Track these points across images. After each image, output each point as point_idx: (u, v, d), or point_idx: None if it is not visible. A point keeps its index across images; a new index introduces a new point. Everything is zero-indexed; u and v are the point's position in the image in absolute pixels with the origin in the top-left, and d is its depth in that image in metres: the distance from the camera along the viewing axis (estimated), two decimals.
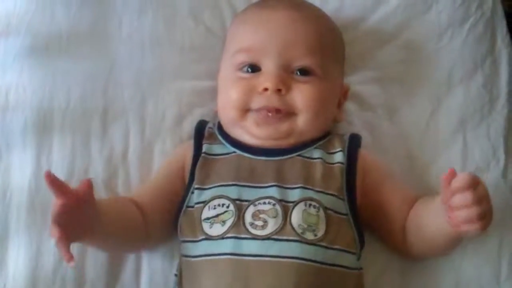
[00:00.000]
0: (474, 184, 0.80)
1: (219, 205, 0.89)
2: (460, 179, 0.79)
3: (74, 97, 1.04)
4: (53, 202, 0.76)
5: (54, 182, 0.76)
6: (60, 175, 0.96)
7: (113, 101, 1.05)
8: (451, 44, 1.10)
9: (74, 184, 0.96)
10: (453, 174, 0.80)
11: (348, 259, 0.89)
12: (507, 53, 1.11)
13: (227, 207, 0.88)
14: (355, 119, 1.06)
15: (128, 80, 1.06)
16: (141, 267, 0.98)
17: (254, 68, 0.96)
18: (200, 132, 1.00)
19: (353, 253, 0.90)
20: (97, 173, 1.01)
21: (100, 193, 0.99)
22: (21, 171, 1.00)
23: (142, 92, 1.06)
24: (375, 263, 0.97)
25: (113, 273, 0.97)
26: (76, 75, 1.05)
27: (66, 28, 1.07)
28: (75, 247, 0.92)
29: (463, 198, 0.80)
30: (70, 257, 0.75)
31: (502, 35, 1.12)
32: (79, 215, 0.78)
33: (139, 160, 1.03)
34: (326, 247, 0.86)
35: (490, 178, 1.02)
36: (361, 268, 0.93)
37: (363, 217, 0.93)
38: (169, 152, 1.03)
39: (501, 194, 1.01)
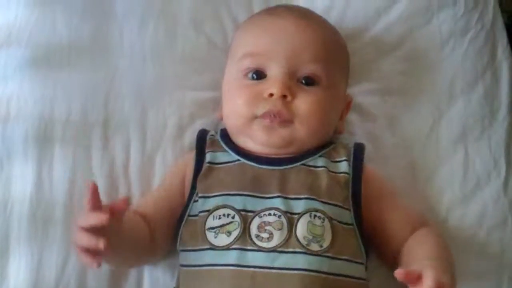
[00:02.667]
0: None
1: (224, 215, 0.92)
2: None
3: (75, 108, 1.06)
4: (89, 215, 0.80)
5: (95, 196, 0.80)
6: (62, 186, 1.01)
7: (114, 112, 1.07)
8: (452, 56, 1.14)
9: (76, 198, 1.01)
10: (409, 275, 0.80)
11: (355, 269, 0.92)
12: (508, 64, 1.15)
13: (232, 217, 0.91)
14: (356, 130, 1.10)
15: (129, 91, 1.09)
16: (143, 279, 1.00)
17: (260, 75, 0.99)
18: (202, 141, 1.03)
19: (360, 263, 0.93)
20: (98, 185, 0.98)
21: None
22: (22, 182, 1.01)
23: (143, 103, 1.08)
24: (378, 275, 0.99)
25: (115, 284, 0.99)
26: (77, 86, 1.07)
27: (67, 39, 1.09)
28: (74, 259, 0.96)
29: None
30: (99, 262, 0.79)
31: (503, 47, 1.16)
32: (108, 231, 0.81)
33: (140, 171, 1.05)
34: (332, 258, 0.89)
35: (491, 190, 1.06)
36: (367, 279, 0.95)
37: (367, 227, 0.95)
38: (170, 163, 1.06)
39: (501, 207, 1.05)
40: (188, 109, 1.09)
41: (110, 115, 1.07)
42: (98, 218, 0.78)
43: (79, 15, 1.11)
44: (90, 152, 1.05)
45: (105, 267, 0.98)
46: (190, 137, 1.07)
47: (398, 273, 0.79)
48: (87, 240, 0.79)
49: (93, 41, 1.10)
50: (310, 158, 0.98)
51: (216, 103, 1.07)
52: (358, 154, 1.00)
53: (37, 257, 0.98)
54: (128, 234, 0.88)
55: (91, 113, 1.06)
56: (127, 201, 0.85)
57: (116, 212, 0.81)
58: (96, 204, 0.81)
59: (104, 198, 0.98)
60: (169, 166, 1.05)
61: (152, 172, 1.05)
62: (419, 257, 0.89)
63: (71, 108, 1.06)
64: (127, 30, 1.12)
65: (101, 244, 0.78)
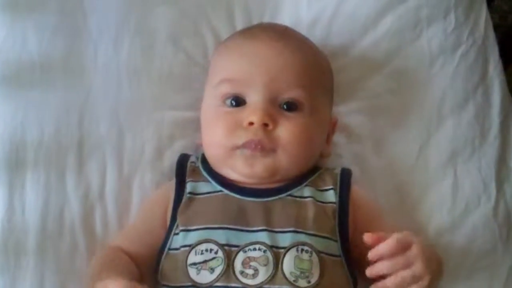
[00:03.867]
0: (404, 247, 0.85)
1: (206, 250, 0.90)
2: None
3: (47, 130, 1.03)
4: None
5: None
6: (34, 213, 0.98)
7: (89, 134, 1.04)
8: (442, 73, 1.12)
9: (50, 225, 0.98)
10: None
11: None
12: (499, 81, 1.14)
13: (216, 253, 0.89)
14: (343, 152, 1.08)
15: (105, 112, 1.06)
16: None
17: (239, 101, 0.96)
18: (182, 169, 1.01)
19: None
20: (73, 211, 1.01)
21: (77, 232, 0.99)
22: None
23: (119, 124, 1.06)
24: None
25: None
26: (50, 107, 1.04)
27: (38, 57, 1.05)
28: None
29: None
30: None
31: (494, 63, 1.14)
32: None
33: (117, 196, 1.03)
34: None
35: (481, 214, 1.05)
36: None
37: (354, 257, 0.94)
38: (149, 187, 1.04)
39: (491, 232, 1.04)
40: (167, 130, 1.07)
41: (84, 137, 1.04)
42: None
43: (51, 32, 1.07)
44: (64, 176, 1.02)
45: None
46: (169, 160, 1.05)
47: (367, 235, 0.86)
48: None
49: (65, 59, 1.07)
50: (296, 188, 0.96)
51: (197, 124, 1.05)
52: (344, 181, 0.98)
53: None
54: None
55: (65, 135, 1.03)
56: None
57: None
58: None
59: (79, 225, 0.99)
60: (147, 193, 1.03)
61: (130, 197, 1.03)
62: None
63: (44, 130, 1.03)
64: (102, 47, 1.08)
65: None
